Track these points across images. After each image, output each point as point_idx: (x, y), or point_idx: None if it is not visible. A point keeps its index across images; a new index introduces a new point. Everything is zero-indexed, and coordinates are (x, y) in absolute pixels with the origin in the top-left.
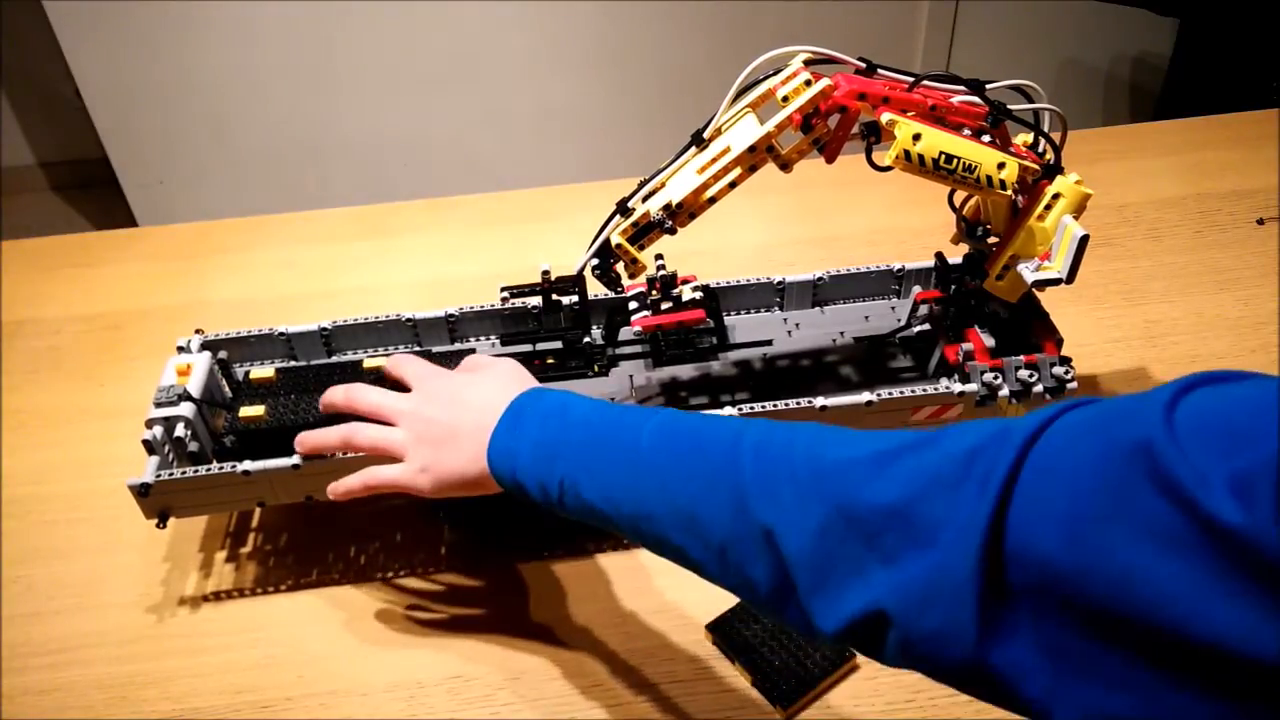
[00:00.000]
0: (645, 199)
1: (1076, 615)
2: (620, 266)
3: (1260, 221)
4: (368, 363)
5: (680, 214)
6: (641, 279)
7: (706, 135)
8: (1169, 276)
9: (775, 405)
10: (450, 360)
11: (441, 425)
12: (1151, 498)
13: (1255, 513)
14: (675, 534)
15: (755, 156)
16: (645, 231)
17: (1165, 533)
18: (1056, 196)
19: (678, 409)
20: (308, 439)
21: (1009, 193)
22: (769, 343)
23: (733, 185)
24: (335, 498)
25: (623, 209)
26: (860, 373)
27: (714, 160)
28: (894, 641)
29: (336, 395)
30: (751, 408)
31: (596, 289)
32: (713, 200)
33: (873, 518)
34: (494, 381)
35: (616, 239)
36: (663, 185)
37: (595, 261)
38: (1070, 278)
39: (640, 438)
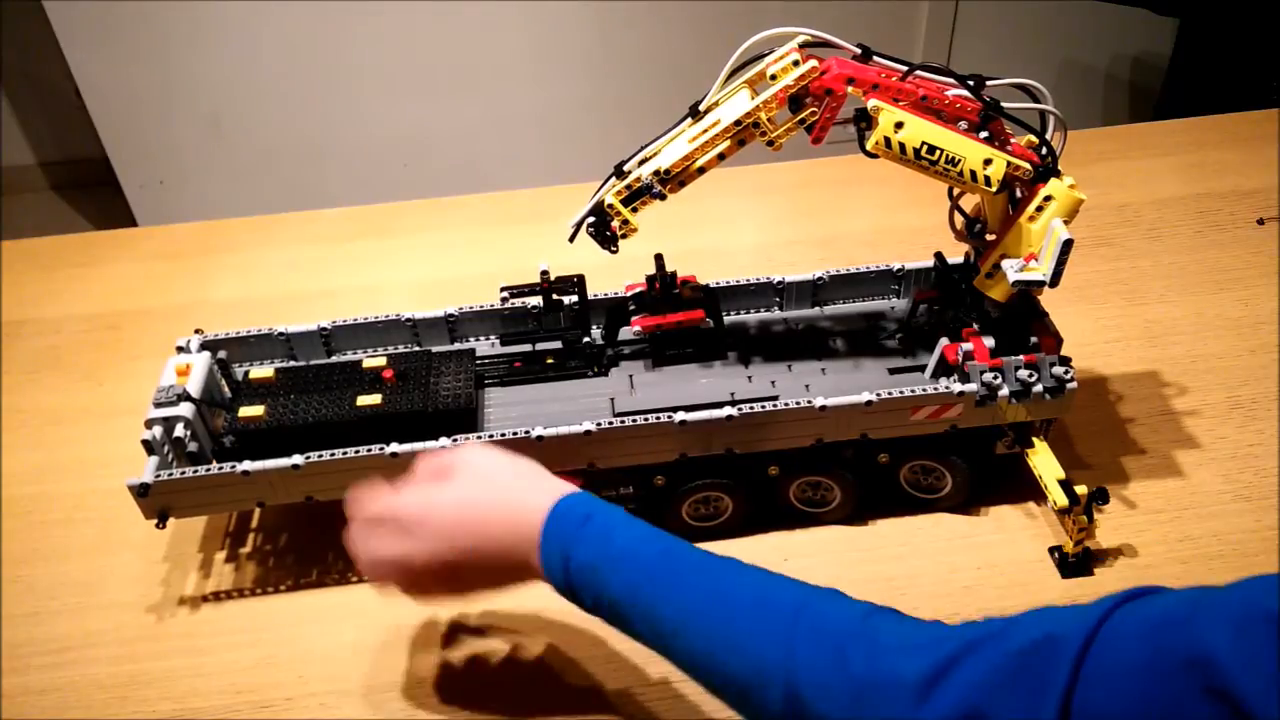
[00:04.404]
0: (640, 164)
1: None
2: (616, 225)
3: (1260, 221)
4: (367, 363)
5: (670, 181)
6: (641, 279)
7: (702, 108)
8: (1169, 276)
9: (775, 405)
10: (451, 359)
11: (475, 559)
12: (1212, 713)
13: None
14: (729, 699)
15: (742, 131)
16: (638, 195)
17: None
18: (1049, 199)
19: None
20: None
21: (993, 190)
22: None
23: (721, 157)
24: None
25: (619, 172)
26: (860, 372)
27: (704, 131)
28: None
29: None
30: (751, 408)
31: (597, 288)
32: (701, 170)
33: None
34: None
35: (610, 200)
36: (658, 153)
37: (591, 220)
38: (1054, 281)
39: (684, 577)
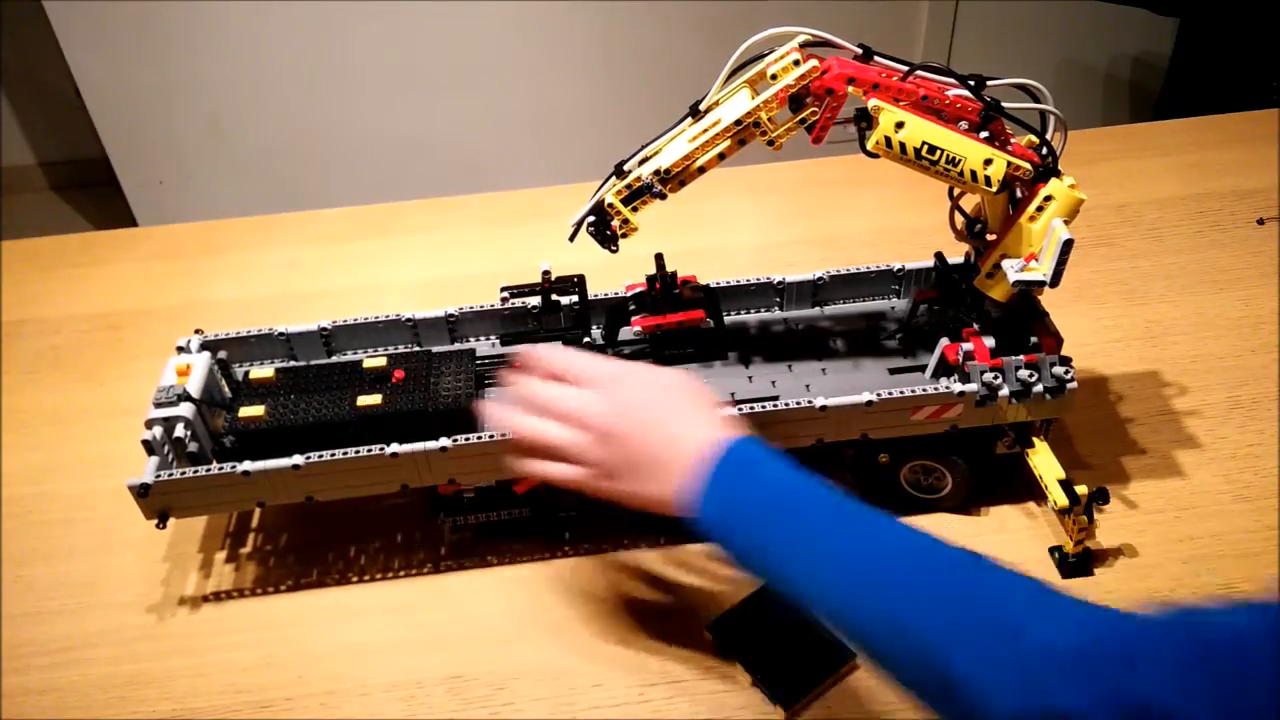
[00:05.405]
0: (641, 163)
1: None
2: (616, 224)
3: (1260, 221)
4: (368, 363)
5: (671, 180)
6: (642, 279)
7: (703, 107)
8: (1169, 276)
9: (776, 405)
10: (452, 359)
11: (635, 447)
12: None
13: None
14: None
15: (743, 130)
16: (638, 194)
17: None
18: (1049, 199)
19: (898, 522)
20: (501, 418)
21: (993, 190)
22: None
23: (722, 157)
24: (512, 471)
25: (619, 171)
26: (860, 372)
27: (705, 131)
28: None
29: (531, 361)
30: (752, 407)
31: (597, 288)
32: (702, 170)
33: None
34: (691, 406)
35: (610, 199)
36: (658, 152)
37: (591, 219)
38: (1054, 281)
39: (866, 544)
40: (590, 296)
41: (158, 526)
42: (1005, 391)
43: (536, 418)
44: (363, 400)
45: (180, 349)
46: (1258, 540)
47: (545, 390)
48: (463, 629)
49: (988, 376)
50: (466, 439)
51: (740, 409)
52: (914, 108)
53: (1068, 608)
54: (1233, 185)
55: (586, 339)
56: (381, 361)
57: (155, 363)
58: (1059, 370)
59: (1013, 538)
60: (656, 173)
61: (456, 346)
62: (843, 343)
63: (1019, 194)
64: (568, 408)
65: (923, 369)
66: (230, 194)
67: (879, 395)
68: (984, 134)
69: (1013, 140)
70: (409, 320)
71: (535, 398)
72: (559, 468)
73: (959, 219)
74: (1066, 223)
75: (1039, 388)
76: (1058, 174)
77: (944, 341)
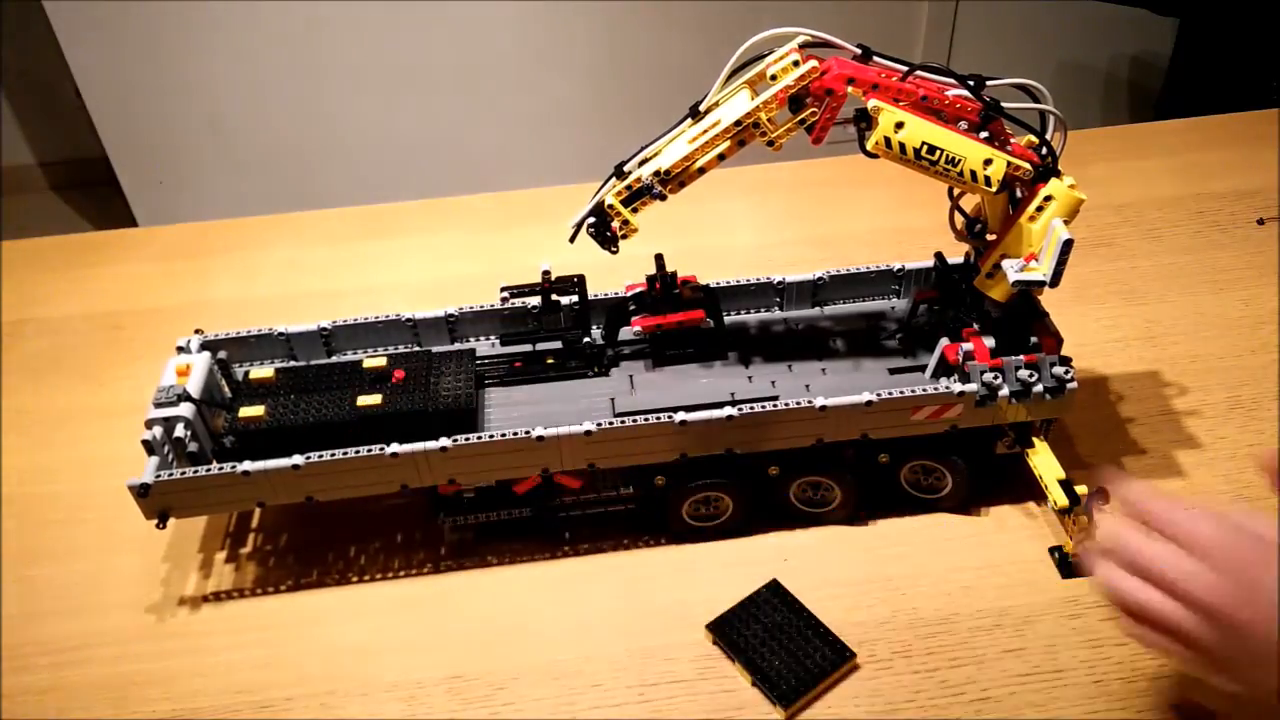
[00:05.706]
0: (641, 164)
1: None
2: (616, 225)
3: (1260, 221)
4: (368, 363)
5: (670, 181)
6: (642, 279)
7: (702, 108)
8: (1169, 276)
9: (776, 405)
10: (452, 359)
11: (1257, 639)
12: None
13: None
14: None
15: (742, 131)
16: (638, 195)
17: None
18: (1049, 199)
19: None
20: (1110, 578)
21: (993, 190)
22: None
23: (721, 157)
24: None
25: (619, 172)
26: (860, 372)
27: (704, 132)
28: None
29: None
30: (751, 408)
31: (597, 288)
32: (702, 170)
33: None
34: None
35: (610, 200)
36: (658, 153)
37: (591, 220)
38: (1054, 281)
39: None
40: (590, 296)
41: (158, 526)
42: (1005, 391)
43: (1141, 584)
44: (363, 400)
45: (180, 349)
46: None
47: (1152, 553)
48: (463, 629)
49: (988, 376)
50: (466, 439)
51: (740, 409)
52: (914, 108)
53: None
54: (1233, 185)
55: (586, 339)
56: (381, 361)
57: (155, 363)
58: (1059, 370)
59: (1012, 538)
60: (656, 174)
61: (456, 346)
62: (843, 343)
63: (1019, 194)
64: (1176, 580)
65: (923, 369)
66: (230, 194)
67: (879, 395)
68: (984, 134)
69: (1012, 140)
70: (409, 320)
71: (1140, 560)
72: (1169, 643)
73: (959, 219)
74: (1066, 223)
75: (1039, 388)
76: (1058, 174)
77: (944, 341)
